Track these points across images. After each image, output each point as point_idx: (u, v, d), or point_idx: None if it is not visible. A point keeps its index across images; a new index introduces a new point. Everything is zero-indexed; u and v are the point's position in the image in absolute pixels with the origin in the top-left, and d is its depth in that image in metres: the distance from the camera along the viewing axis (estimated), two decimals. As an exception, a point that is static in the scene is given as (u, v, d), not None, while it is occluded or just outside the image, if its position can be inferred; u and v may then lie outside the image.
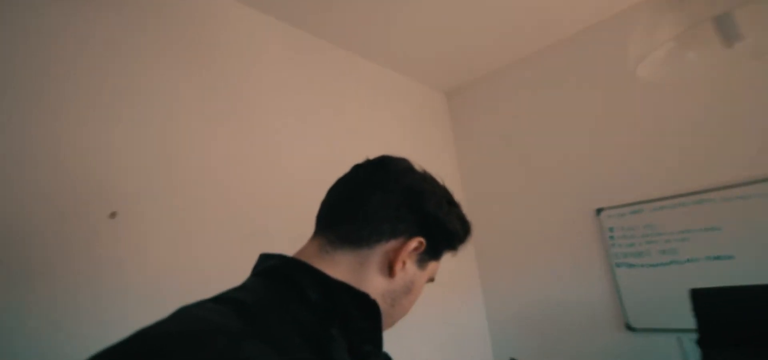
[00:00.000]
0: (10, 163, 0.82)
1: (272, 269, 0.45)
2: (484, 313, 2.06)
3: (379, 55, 1.84)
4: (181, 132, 1.11)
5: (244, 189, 1.22)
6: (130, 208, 0.97)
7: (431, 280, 0.57)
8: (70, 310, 0.84)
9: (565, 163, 1.86)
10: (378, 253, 0.48)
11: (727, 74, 1.49)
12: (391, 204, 0.49)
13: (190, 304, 0.39)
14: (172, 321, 0.35)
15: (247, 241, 1.17)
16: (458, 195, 0.61)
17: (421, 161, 0.58)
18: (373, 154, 0.56)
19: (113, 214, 0.95)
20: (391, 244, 0.49)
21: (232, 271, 0.59)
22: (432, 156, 2.09)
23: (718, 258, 1.44)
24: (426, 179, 0.54)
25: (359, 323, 0.44)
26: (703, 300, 1.10)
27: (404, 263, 0.50)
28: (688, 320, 1.14)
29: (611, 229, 1.69)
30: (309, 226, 0.54)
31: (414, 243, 0.49)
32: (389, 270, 0.49)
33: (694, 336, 1.09)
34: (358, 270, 0.47)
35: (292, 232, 0.72)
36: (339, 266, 0.47)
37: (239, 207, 1.19)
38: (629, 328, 1.61)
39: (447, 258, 0.58)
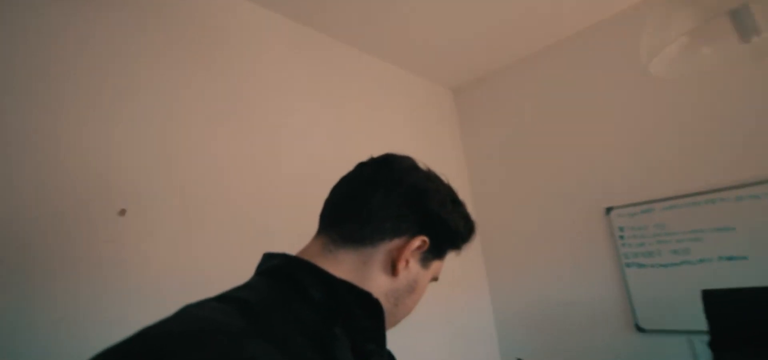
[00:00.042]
0: (10, 163, 0.83)
1: (275, 268, 0.45)
2: (491, 312, 2.05)
3: (385, 50, 1.82)
4: (182, 131, 1.11)
5: (247, 188, 1.21)
6: (131, 208, 0.97)
7: (435, 279, 0.57)
8: (71, 310, 0.84)
9: (574, 161, 1.83)
10: (381, 251, 0.48)
11: (742, 70, 1.45)
12: (394, 202, 0.49)
13: (193, 304, 0.39)
14: (174, 320, 0.35)
15: (249, 241, 1.16)
16: (466, 193, 0.60)
17: (427, 159, 0.57)
18: (378, 153, 0.56)
19: (123, 212, 0.95)
20: (395, 243, 0.49)
21: (233, 271, 0.60)
22: (439, 154, 2.07)
23: (731, 258, 1.41)
24: (430, 178, 0.54)
25: (362, 322, 0.44)
26: (716, 301, 1.08)
27: (407, 262, 0.50)
28: (700, 322, 1.12)
29: (621, 229, 1.66)
30: (312, 225, 0.54)
31: (417, 242, 0.49)
32: (392, 269, 0.49)
33: (706, 338, 1.07)
34: (361, 269, 0.47)
35: (295, 232, 0.72)
36: (342, 265, 0.47)
37: (241, 206, 1.18)
38: (639, 328, 1.59)
39: (453, 257, 0.58)
